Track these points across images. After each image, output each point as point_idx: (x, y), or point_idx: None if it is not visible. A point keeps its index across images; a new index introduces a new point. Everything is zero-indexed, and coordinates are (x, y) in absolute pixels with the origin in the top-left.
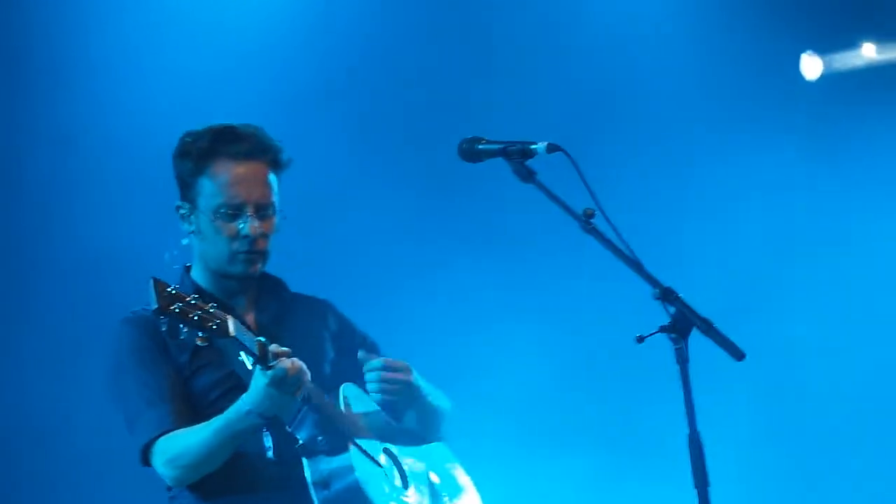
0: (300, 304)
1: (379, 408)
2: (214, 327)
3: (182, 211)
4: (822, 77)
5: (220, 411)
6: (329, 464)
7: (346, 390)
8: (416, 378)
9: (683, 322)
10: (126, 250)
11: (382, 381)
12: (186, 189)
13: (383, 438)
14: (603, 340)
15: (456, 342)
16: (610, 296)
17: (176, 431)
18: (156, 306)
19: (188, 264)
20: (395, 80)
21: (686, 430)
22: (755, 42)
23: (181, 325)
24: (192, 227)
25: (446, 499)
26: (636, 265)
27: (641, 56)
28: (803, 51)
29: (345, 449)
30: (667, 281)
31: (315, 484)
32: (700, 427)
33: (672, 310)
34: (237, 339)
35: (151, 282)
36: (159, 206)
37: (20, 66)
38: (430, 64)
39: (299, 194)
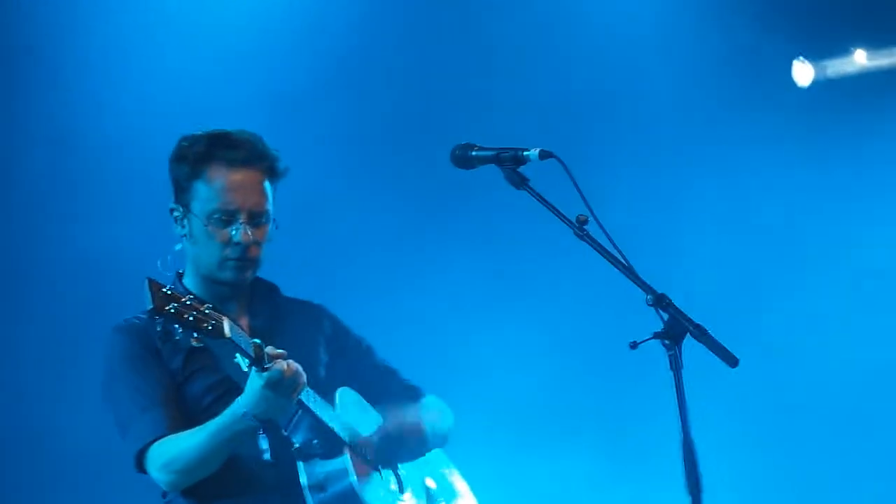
0: (294, 309)
1: (377, 413)
2: (210, 328)
3: (175, 213)
4: (814, 83)
5: (214, 416)
6: (324, 467)
7: (343, 395)
8: (427, 429)
9: (677, 328)
10: (124, 251)
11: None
12: (181, 192)
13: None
14: (599, 344)
15: (450, 346)
16: (606, 300)
17: (170, 436)
18: (151, 306)
19: (180, 271)
20: (392, 81)
21: (679, 436)
22: (747, 49)
23: (176, 326)
24: (185, 231)
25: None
26: (629, 271)
27: (633, 62)
28: (795, 57)
29: (340, 452)
30: (660, 286)
31: (310, 487)
32: (694, 433)
33: (665, 316)
34: (232, 341)
35: (146, 282)
36: (157, 208)
37: (16, 66)
38: (425, 66)
39: (294, 196)
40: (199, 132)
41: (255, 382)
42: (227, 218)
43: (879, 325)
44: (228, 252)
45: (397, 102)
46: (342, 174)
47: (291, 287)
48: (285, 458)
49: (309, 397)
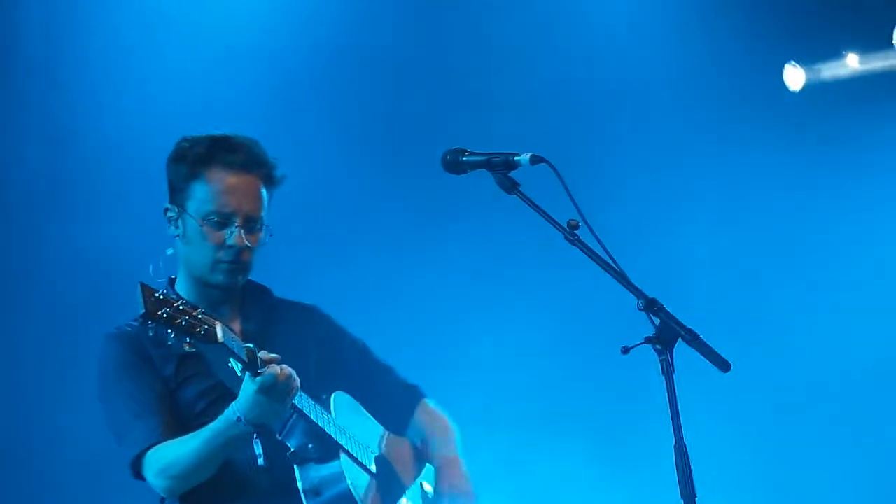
0: (286, 311)
1: (372, 418)
2: (202, 333)
3: (170, 214)
4: (806, 87)
5: (208, 422)
6: (319, 471)
7: (338, 399)
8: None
9: (668, 333)
10: (122, 252)
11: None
12: (177, 192)
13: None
14: (591, 348)
15: (445, 347)
16: (598, 304)
17: (165, 442)
18: (143, 311)
19: (173, 276)
20: (392, 81)
21: (672, 441)
22: (739, 53)
23: (169, 331)
24: (179, 231)
25: None
26: (620, 276)
27: (625, 67)
28: (787, 61)
29: (335, 456)
30: (654, 289)
31: (306, 492)
32: (688, 437)
33: (657, 321)
34: (225, 345)
35: (139, 287)
36: (156, 208)
37: (15, 66)
38: (424, 67)
39: (291, 196)
40: (200, 134)
41: (248, 387)
42: (222, 220)
43: (876, 329)
44: (221, 255)
45: (396, 103)
46: (340, 175)
47: (286, 288)
48: (280, 462)
49: (303, 401)
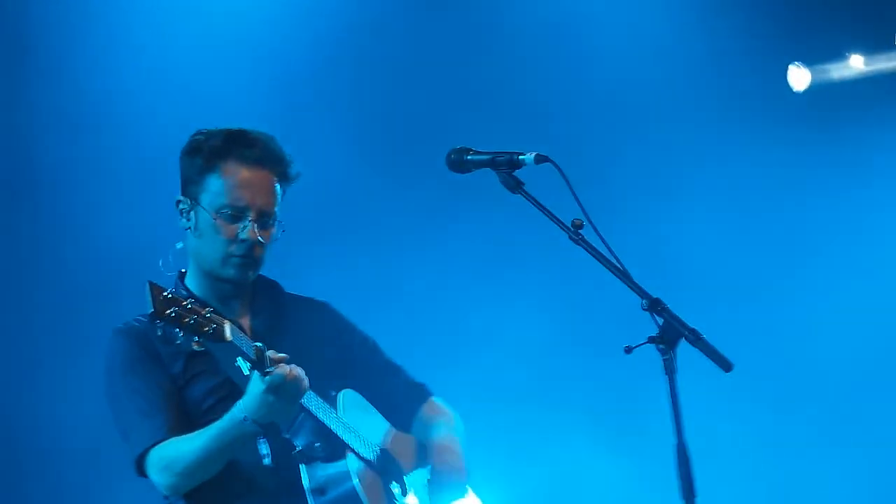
0: (296, 307)
1: (380, 415)
2: (210, 332)
3: (182, 206)
4: (810, 88)
5: (216, 419)
6: (326, 470)
7: (346, 397)
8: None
9: (671, 333)
10: (130, 246)
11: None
12: (191, 185)
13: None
14: (595, 347)
15: (450, 344)
16: (603, 303)
17: (170, 440)
18: (151, 310)
19: (183, 270)
20: (393, 81)
21: (674, 441)
22: (741, 53)
23: (177, 330)
24: (190, 224)
25: None
26: (624, 276)
27: (626, 67)
28: (789, 62)
29: (342, 455)
30: (656, 288)
31: (312, 491)
32: (691, 437)
33: (660, 320)
34: (234, 344)
35: (147, 286)
36: (162, 202)
37: (24, 61)
38: (426, 66)
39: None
40: (215, 128)
41: (256, 387)
42: (235, 214)
43: (877, 329)
44: (233, 249)
45: (398, 101)
46: (342, 174)
47: (286, 287)
48: (287, 461)
49: (311, 400)
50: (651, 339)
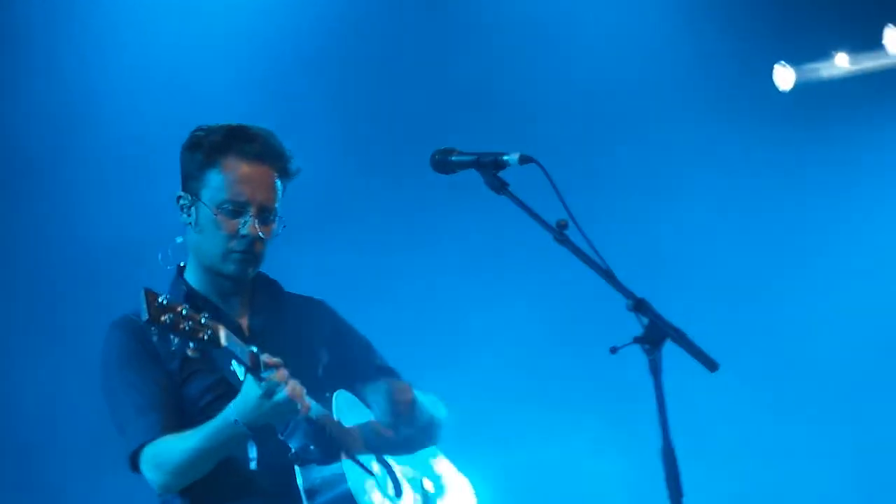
0: (294, 307)
1: (373, 416)
2: (206, 338)
3: (182, 202)
4: (796, 87)
5: (212, 416)
6: (321, 472)
7: (340, 398)
8: (417, 395)
9: (656, 333)
10: (125, 242)
11: (390, 403)
12: (191, 181)
13: (377, 447)
14: (580, 347)
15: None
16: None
17: (164, 437)
18: (146, 317)
19: (182, 264)
20: (386, 80)
21: (660, 442)
22: (729, 53)
23: (172, 336)
24: (191, 219)
25: None
26: (609, 276)
27: (614, 67)
28: (775, 62)
29: (337, 458)
30: (644, 289)
31: (307, 492)
32: (678, 436)
33: (646, 321)
34: (229, 350)
35: (142, 293)
36: (157, 198)
37: (14, 59)
38: (422, 65)
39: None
40: (215, 123)
41: (250, 391)
42: (236, 209)
43: (870, 328)
44: (234, 244)
45: (390, 101)
46: (334, 173)
47: (293, 282)
48: (281, 463)
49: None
50: (636, 340)
